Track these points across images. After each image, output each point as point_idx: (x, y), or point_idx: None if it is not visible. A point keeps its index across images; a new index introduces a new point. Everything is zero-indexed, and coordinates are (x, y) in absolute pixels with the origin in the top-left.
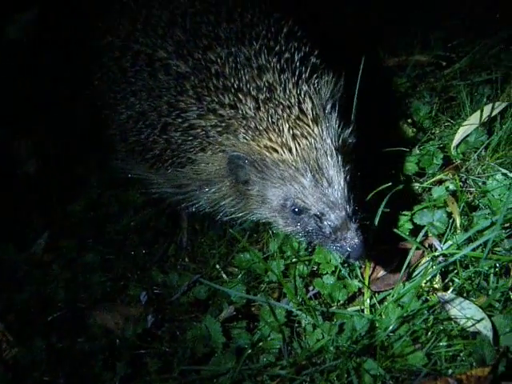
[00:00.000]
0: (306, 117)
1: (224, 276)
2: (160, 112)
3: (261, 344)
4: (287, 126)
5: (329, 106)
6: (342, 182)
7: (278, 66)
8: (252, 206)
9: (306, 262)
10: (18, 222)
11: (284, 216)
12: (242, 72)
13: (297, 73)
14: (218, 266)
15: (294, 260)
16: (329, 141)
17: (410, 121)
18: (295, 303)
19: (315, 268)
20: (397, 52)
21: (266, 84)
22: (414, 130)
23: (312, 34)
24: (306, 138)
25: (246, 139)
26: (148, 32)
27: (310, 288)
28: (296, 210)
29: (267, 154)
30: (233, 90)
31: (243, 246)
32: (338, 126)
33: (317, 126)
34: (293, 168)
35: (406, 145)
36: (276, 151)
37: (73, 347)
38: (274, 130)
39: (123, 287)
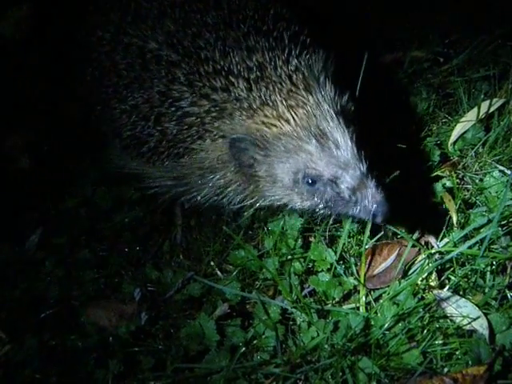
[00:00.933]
0: (299, 88)
1: (219, 273)
2: (152, 103)
3: (255, 342)
4: (280, 98)
5: (322, 78)
6: (349, 142)
7: (267, 45)
8: (263, 189)
9: (302, 260)
10: (10, 219)
11: (299, 192)
12: (232, 54)
13: (286, 50)
14: (212, 263)
15: (289, 257)
16: (326, 106)
17: (406, 117)
18: (290, 301)
19: (310, 265)
20: (394, 48)
21: (256, 63)
22: (411, 126)
23: (309, 26)
24: (302, 107)
25: (242, 120)
26: (138, 24)
27: (305, 285)
28: (309, 181)
29: (266, 129)
30: (223, 73)
31: (238, 243)
32: (334, 94)
33: (311, 94)
34: (295, 138)
35: (403, 141)
36: (274, 125)
37: (65, 345)
38: (268, 105)
39: (117, 284)
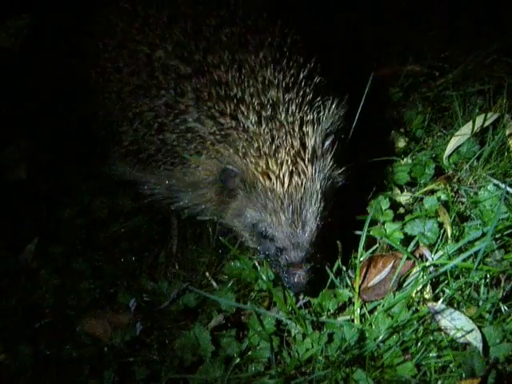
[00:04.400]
0: (305, 154)
1: (214, 284)
2: (157, 112)
3: (250, 353)
4: (288, 159)
5: (327, 143)
6: (313, 228)
7: (284, 84)
8: (226, 215)
9: None
10: (7, 228)
11: (251, 234)
12: (246, 84)
13: (301, 93)
14: (207, 274)
15: None
16: (318, 184)
17: (402, 130)
18: (285, 312)
19: None
20: (390, 62)
21: (270, 101)
22: (407, 139)
23: (311, 43)
24: (299, 176)
25: (245, 156)
26: (146, 32)
27: (300, 297)
28: (263, 233)
29: (261, 178)
30: (235, 101)
31: (234, 254)
32: (331, 167)
33: (312, 166)
34: (279, 202)
35: (398, 154)
36: (269, 179)
37: (60, 354)
38: (275, 158)
39: (112, 294)
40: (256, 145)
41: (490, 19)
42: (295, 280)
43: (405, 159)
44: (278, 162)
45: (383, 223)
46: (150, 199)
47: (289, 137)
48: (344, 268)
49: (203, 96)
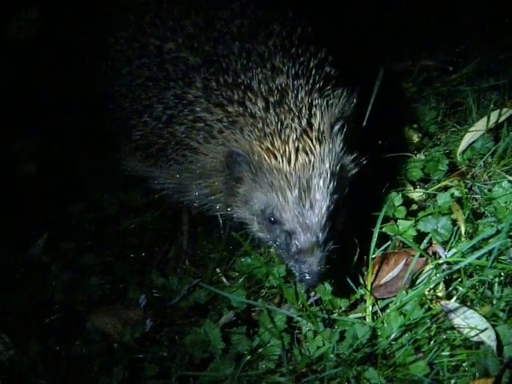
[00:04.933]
0: (313, 132)
1: (224, 280)
2: (166, 104)
3: (260, 350)
4: (293, 136)
5: (337, 127)
6: (323, 209)
7: (293, 70)
8: (235, 204)
9: None
10: (17, 223)
11: (260, 221)
12: (254, 71)
13: (311, 81)
14: (218, 270)
15: None
16: (327, 163)
17: (415, 126)
18: (296, 309)
19: None
20: (403, 56)
21: (279, 87)
22: (420, 135)
23: (323, 36)
24: (307, 154)
25: (250, 137)
26: (157, 24)
27: (312, 294)
28: (272, 219)
29: (266, 157)
30: (243, 88)
31: (245, 250)
32: (341, 150)
33: (320, 145)
34: (285, 179)
35: (412, 150)
36: (275, 157)
37: (70, 350)
38: (280, 136)
39: (122, 290)
40: (260, 125)
41: (504, 13)
42: (306, 269)
43: (418, 155)
44: (283, 139)
45: (396, 220)
46: (160, 194)
47: (296, 119)
48: (356, 265)
49: (211, 85)
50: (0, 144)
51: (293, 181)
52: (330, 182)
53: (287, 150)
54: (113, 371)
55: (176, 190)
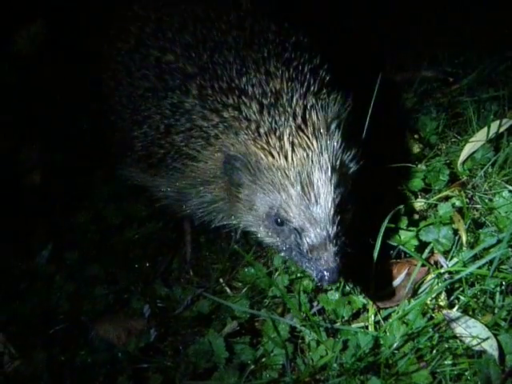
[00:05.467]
0: (308, 128)
1: (228, 290)
2: (163, 114)
3: (264, 360)
4: (288, 132)
5: (333, 126)
6: (329, 202)
7: (287, 74)
8: (239, 211)
9: (311, 278)
10: (21, 233)
11: (267, 225)
12: (249, 76)
13: (305, 84)
14: (221, 280)
15: (298, 275)
16: (326, 157)
17: (416, 136)
18: (299, 319)
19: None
20: (404, 67)
21: (273, 90)
22: (421, 145)
23: (320, 45)
24: (304, 150)
25: (245, 139)
26: (157, 36)
27: (314, 304)
28: (278, 220)
29: (263, 156)
30: (237, 92)
31: (248, 260)
32: (339, 147)
33: (316, 140)
34: (285, 176)
35: (413, 160)
36: (272, 155)
37: (74, 360)
38: (275, 134)
39: (126, 300)
40: (255, 127)
41: (504, 25)
42: (323, 266)
43: (419, 165)
44: (278, 135)
45: (398, 230)
46: (162, 203)
47: (290, 117)
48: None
49: (206, 91)
50: (4, 154)
51: (293, 176)
52: (331, 176)
53: (283, 146)
54: (117, 381)
55: (178, 198)
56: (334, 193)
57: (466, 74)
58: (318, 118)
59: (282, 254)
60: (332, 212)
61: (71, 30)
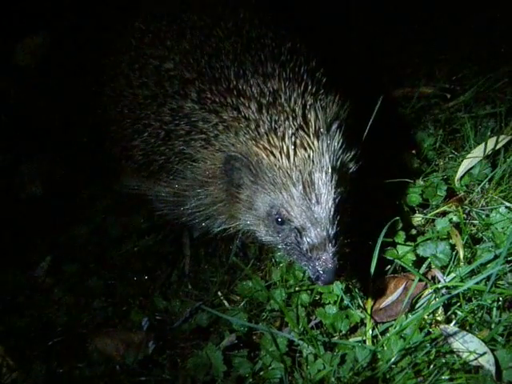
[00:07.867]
0: (309, 128)
1: (226, 303)
2: (163, 119)
3: (262, 373)
4: (289, 132)
5: (334, 126)
6: (330, 202)
7: (284, 74)
8: (239, 211)
9: (309, 291)
10: (20, 245)
11: (267, 224)
12: (246, 77)
13: (303, 84)
14: (220, 294)
15: (296, 289)
16: (327, 157)
17: (414, 152)
18: (297, 333)
19: (317, 297)
20: (402, 83)
21: (271, 90)
22: (418, 161)
23: (317, 52)
24: (305, 150)
25: (246, 139)
26: (156, 45)
27: (312, 317)
28: (279, 219)
29: (264, 156)
30: (235, 93)
31: (246, 273)
32: (340, 147)
33: (317, 140)
34: (286, 175)
35: (410, 176)
36: (273, 155)
37: (73, 372)
38: (276, 133)
39: (125, 313)
40: (255, 126)
41: (501, 42)
42: (321, 266)
43: (417, 181)
44: (279, 135)
45: (395, 245)
46: (162, 211)
47: (290, 117)
48: (356, 289)
49: (205, 94)
50: (5, 166)
51: (295, 176)
52: (332, 176)
53: (284, 146)
54: None
55: (177, 203)
56: (335, 193)
57: (464, 91)
58: (317, 117)
59: (281, 252)
60: (332, 212)
61: (73, 43)
